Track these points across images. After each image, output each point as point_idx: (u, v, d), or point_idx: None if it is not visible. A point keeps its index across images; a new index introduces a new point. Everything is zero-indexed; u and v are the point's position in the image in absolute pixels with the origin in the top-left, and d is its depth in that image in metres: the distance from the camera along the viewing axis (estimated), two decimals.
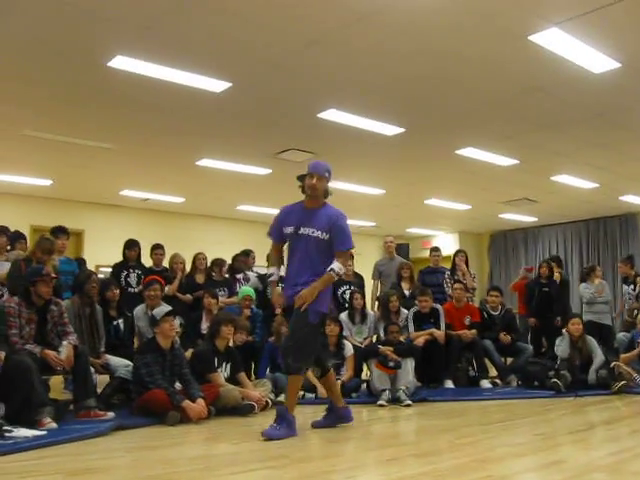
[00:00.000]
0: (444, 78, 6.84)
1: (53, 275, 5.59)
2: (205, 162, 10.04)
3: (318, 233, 4.86)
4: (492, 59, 6.36)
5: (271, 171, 10.59)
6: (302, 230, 4.87)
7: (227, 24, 5.63)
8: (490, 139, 9.09)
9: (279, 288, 5.31)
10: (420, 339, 7.74)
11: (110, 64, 6.42)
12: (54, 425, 4.82)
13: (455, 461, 3.99)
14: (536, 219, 16.15)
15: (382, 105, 7.73)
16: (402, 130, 8.54)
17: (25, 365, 4.90)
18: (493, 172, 10.79)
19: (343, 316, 7.97)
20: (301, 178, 5.02)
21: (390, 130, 8.55)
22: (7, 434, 4.41)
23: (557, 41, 5.88)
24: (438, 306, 8.26)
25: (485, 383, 7.93)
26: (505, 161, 10.13)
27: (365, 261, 11.33)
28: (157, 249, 8.33)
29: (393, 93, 7.32)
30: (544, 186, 12.02)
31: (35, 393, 4.88)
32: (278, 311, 7.60)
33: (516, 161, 10.13)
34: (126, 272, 7.73)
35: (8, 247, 7.57)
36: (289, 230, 4.95)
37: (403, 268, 9.09)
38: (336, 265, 4.84)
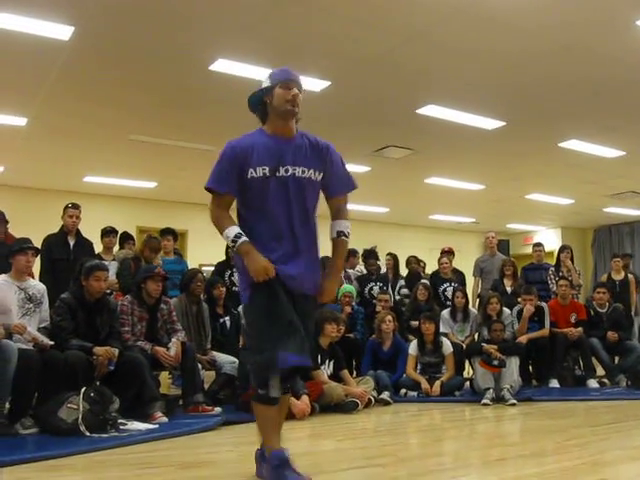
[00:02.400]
0: (545, 69, 6.68)
1: (164, 274, 5.78)
2: None
3: (311, 173, 3.25)
4: (596, 48, 6.17)
5: (370, 169, 10.58)
6: (283, 171, 3.18)
7: (326, 23, 5.69)
8: (594, 130, 8.81)
9: (258, 254, 3.08)
10: (523, 337, 7.58)
11: (212, 67, 6.59)
12: (165, 419, 5.00)
13: (565, 463, 3.89)
14: None
15: (482, 99, 7.62)
16: (502, 124, 8.40)
17: (138, 361, 5.10)
18: (598, 164, 10.45)
19: (445, 314, 7.91)
20: (259, 96, 3.30)
21: (490, 124, 8.42)
22: (122, 427, 4.59)
23: None
24: (543, 304, 8.06)
25: (592, 383, 7.68)
26: (610, 152, 9.80)
27: (465, 258, 11.20)
28: None
29: (493, 87, 7.21)
30: None
31: (147, 388, 5.09)
32: (379, 308, 7.63)
33: (622, 152, 9.78)
34: (230, 271, 7.89)
35: (118, 247, 7.91)
36: (259, 172, 3.15)
37: (506, 265, 8.93)
38: (345, 225, 3.39)
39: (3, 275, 5.14)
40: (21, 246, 5.18)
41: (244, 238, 3.10)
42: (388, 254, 9.38)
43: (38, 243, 5.84)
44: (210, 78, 6.86)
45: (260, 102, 3.30)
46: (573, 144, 9.37)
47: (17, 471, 3.57)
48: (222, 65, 6.55)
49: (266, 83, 3.27)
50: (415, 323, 7.45)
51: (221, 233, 3.17)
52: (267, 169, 3.15)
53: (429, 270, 10.11)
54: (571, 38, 5.94)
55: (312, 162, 3.27)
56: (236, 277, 7.78)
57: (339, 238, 3.34)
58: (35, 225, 7.74)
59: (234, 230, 3.13)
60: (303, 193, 3.23)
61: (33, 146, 9.54)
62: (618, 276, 9.65)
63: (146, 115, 8.23)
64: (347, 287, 7.98)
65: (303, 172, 3.23)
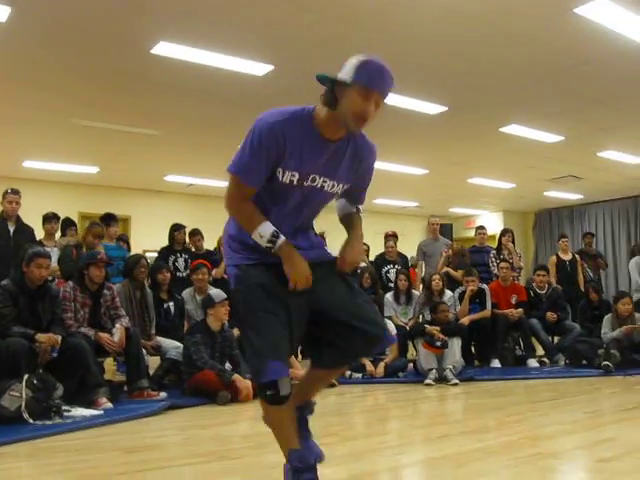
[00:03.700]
0: (488, 55, 6.78)
1: (106, 260, 5.73)
2: None
3: (339, 187, 2.74)
4: (537, 35, 6.27)
5: None
6: (310, 180, 2.62)
7: (270, 6, 5.64)
8: (536, 116, 8.98)
9: (301, 257, 2.60)
10: (465, 319, 7.73)
11: (153, 51, 6.51)
12: (110, 405, 4.97)
13: (505, 438, 4.01)
14: (582, 197, 15.92)
15: (425, 84, 7.68)
16: (445, 109, 8.49)
17: (81, 348, 5.05)
18: (538, 149, 10.66)
19: (388, 296, 8.01)
20: (331, 82, 2.55)
21: (433, 109, 8.51)
22: (66, 413, 4.56)
23: (604, 13, 5.73)
24: (484, 286, 8.23)
25: (532, 362, 7.89)
26: (551, 138, 10.01)
27: (408, 242, 11.33)
28: (196, 235, 8.43)
29: (436, 72, 7.28)
30: (590, 163, 11.85)
31: (91, 374, 5.05)
32: None
33: (562, 137, 9.99)
34: (174, 257, 7.85)
35: (58, 233, 7.79)
36: (288, 177, 2.57)
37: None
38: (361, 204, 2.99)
39: None
40: None
41: (283, 238, 2.56)
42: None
43: None
44: (152, 62, 6.76)
45: (330, 91, 2.56)
46: (514, 129, 9.54)
47: None
48: (164, 48, 6.46)
49: (348, 73, 2.49)
50: None
51: (250, 228, 2.60)
52: (297, 175, 2.58)
53: (372, 253, 10.22)
54: (511, 25, 6.03)
55: (345, 176, 2.73)
56: (180, 262, 7.78)
57: (357, 212, 2.96)
58: None
59: (269, 228, 2.56)
60: (321, 203, 2.79)
61: None
62: (566, 256, 9.89)
63: (87, 99, 8.07)
64: None
65: (332, 187, 2.70)
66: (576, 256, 10.08)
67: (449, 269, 8.95)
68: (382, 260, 9.06)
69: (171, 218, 9.28)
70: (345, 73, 2.48)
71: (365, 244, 10.03)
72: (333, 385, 6.39)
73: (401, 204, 16.43)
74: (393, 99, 7.99)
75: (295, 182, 2.57)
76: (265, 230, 2.55)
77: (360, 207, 2.95)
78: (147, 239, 12.07)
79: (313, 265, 2.61)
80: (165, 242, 8.26)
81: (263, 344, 2.47)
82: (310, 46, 6.53)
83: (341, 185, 2.71)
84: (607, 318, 7.72)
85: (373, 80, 2.47)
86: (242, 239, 2.67)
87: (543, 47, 6.57)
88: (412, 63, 6.99)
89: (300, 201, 2.66)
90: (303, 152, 2.55)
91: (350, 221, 2.92)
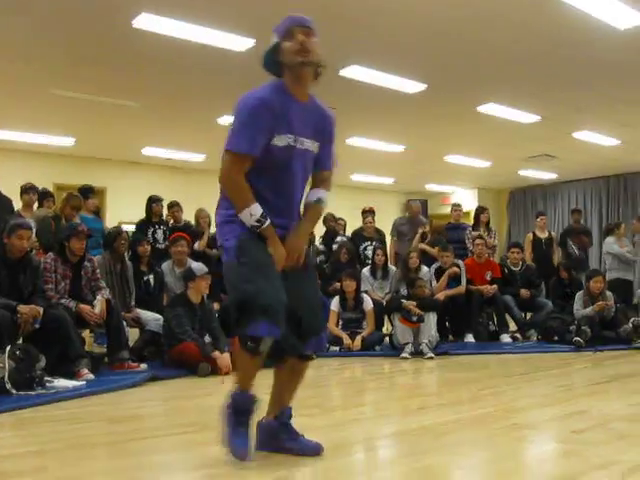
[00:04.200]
0: (467, 35, 6.82)
1: (87, 232, 5.73)
2: (226, 119, 10.07)
3: (315, 146, 2.94)
4: (516, 17, 6.32)
5: None
6: (299, 142, 2.84)
7: None
8: (512, 96, 9.06)
9: (279, 242, 2.84)
10: (440, 294, 7.85)
11: (134, 22, 6.46)
12: (91, 376, 5.01)
13: (480, 410, 4.12)
14: (556, 176, 16.09)
15: (404, 62, 7.71)
16: (424, 87, 8.54)
17: (62, 319, 5.08)
18: (514, 128, 10.76)
19: (365, 271, 8.10)
20: (270, 56, 2.88)
21: (412, 87, 8.54)
22: (48, 384, 4.59)
23: None
24: (459, 262, 8.35)
25: (505, 337, 8.04)
26: (527, 117, 10.10)
27: (383, 217, 11.39)
28: (174, 207, 8.43)
29: (416, 50, 7.31)
30: (565, 143, 11.99)
31: (72, 345, 5.09)
32: None
33: (538, 117, 10.09)
34: (152, 229, 7.86)
35: (35, 205, 7.76)
36: (286, 141, 2.79)
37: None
38: (325, 194, 3.05)
39: None
40: None
41: (269, 222, 2.77)
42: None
43: None
44: (133, 34, 6.71)
45: (273, 62, 2.86)
46: (491, 108, 9.61)
47: None
48: (145, 20, 6.41)
49: (274, 40, 2.84)
50: (337, 285, 7.60)
51: (239, 205, 2.77)
52: (292, 138, 2.79)
53: (349, 229, 10.31)
54: (491, 6, 6.07)
55: (317, 134, 2.93)
56: (159, 234, 7.79)
57: (317, 204, 3.02)
58: None
59: (258, 209, 2.75)
60: (307, 168, 2.96)
61: None
62: (543, 234, 10.03)
63: (66, 70, 8.00)
64: None
65: (311, 145, 2.91)
66: (552, 233, 10.24)
67: (425, 246, 9.04)
68: (360, 236, 9.14)
69: (148, 190, 9.27)
70: (273, 41, 2.82)
71: (342, 219, 10.13)
72: (311, 358, 6.47)
73: (377, 180, 16.49)
74: (372, 76, 8.04)
75: (292, 143, 2.78)
76: (256, 210, 2.74)
77: (324, 199, 3.04)
78: (123, 211, 12.02)
79: None
80: (141, 214, 8.25)
81: (274, 292, 2.65)
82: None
83: (317, 144, 2.92)
84: (579, 295, 7.87)
85: (287, 24, 2.82)
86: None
87: (523, 29, 6.64)
88: (393, 41, 7.02)
89: (296, 165, 2.84)
90: (289, 116, 2.77)
91: (308, 211, 3.03)
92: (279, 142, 2.75)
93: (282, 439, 2.96)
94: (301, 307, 2.85)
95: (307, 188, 3.05)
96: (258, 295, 2.62)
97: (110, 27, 6.62)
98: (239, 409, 2.83)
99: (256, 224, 2.75)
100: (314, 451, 2.94)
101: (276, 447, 2.96)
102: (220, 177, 2.81)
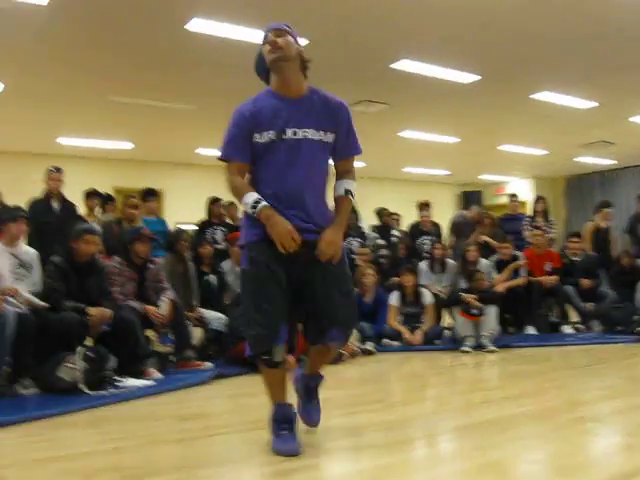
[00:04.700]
0: (519, 23, 6.77)
1: (151, 235, 5.88)
2: None
3: (321, 135, 3.05)
4: (569, 2, 6.25)
5: None
6: (290, 133, 3.00)
7: None
8: (567, 82, 8.95)
9: (280, 217, 2.94)
10: (500, 286, 7.80)
11: (187, 27, 6.60)
12: (159, 375, 5.16)
13: (545, 403, 4.11)
14: (615, 162, 15.79)
15: (457, 53, 7.70)
16: (478, 78, 8.50)
17: (130, 320, 5.22)
18: (569, 115, 10.62)
19: (423, 265, 8.09)
20: (258, 62, 3.17)
21: (465, 78, 8.51)
22: (118, 384, 4.74)
23: None
24: (518, 253, 8.28)
25: (567, 329, 7.94)
26: (583, 104, 9.96)
27: (438, 209, 11.34)
28: (231, 206, 8.48)
29: (468, 41, 7.29)
30: (623, 128, 11.77)
31: (140, 346, 5.23)
32: (359, 262, 7.79)
33: (595, 103, 9.94)
34: (211, 229, 7.98)
35: (98, 209, 7.98)
36: (265, 137, 3.00)
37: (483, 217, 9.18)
38: (352, 184, 3.21)
39: None
40: (13, 215, 5.25)
41: (264, 203, 2.94)
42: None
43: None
44: (186, 38, 6.86)
45: (262, 67, 3.13)
46: (545, 95, 9.50)
47: (22, 429, 3.70)
48: (198, 24, 6.55)
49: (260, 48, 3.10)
50: (395, 279, 7.62)
51: (239, 198, 3.04)
52: (272, 133, 2.99)
53: (404, 221, 10.31)
54: None
55: (323, 122, 3.05)
56: (218, 234, 7.91)
57: (346, 196, 3.15)
58: (10, 188, 7.78)
59: (252, 196, 2.97)
60: (315, 157, 3.07)
61: (8, 110, 9.50)
62: (604, 224, 9.80)
63: (122, 77, 8.22)
64: None
65: (313, 134, 3.02)
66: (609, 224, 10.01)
67: (486, 238, 8.95)
68: (417, 230, 9.13)
69: (203, 191, 9.40)
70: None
71: (396, 214, 10.13)
72: (372, 353, 6.53)
73: (431, 172, 16.44)
74: (424, 68, 8.03)
75: (274, 137, 2.99)
76: (249, 197, 2.98)
77: (352, 190, 3.18)
78: (180, 212, 12.23)
79: (313, 244, 2.98)
80: (198, 215, 8.38)
81: (262, 319, 2.93)
82: (343, 21, 6.58)
83: (323, 131, 3.04)
84: None
85: (265, 30, 3.08)
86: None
87: (575, 13, 6.55)
88: (445, 34, 7.02)
89: (291, 158, 3.00)
90: (269, 113, 3.01)
91: (339, 205, 3.17)
92: (260, 139, 3.00)
93: (301, 394, 3.36)
94: (318, 300, 3.03)
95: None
96: (250, 327, 2.97)
97: (164, 32, 6.78)
98: (280, 419, 3.09)
99: (251, 210, 2.97)
100: (309, 421, 3.33)
101: (298, 394, 3.38)
102: (227, 187, 3.11)
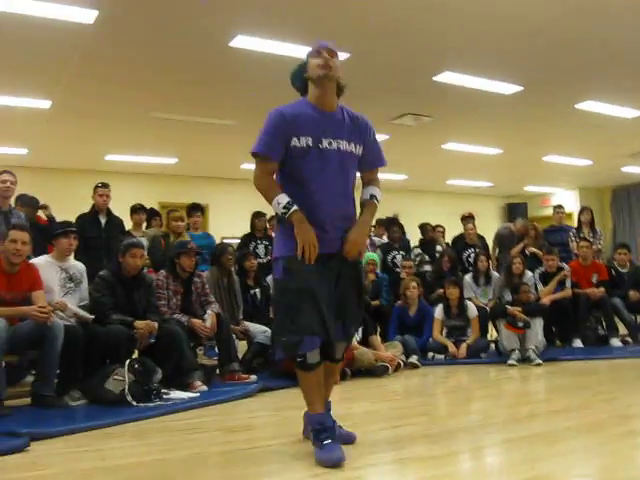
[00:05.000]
0: (561, 33, 6.72)
1: (197, 249, 5.96)
2: None
3: (352, 147, 3.30)
4: (610, 8, 6.17)
5: (389, 137, 10.66)
6: (326, 143, 3.22)
7: None
8: (612, 91, 8.83)
9: (309, 225, 3.14)
10: (546, 298, 7.70)
11: (231, 44, 6.69)
12: (205, 387, 5.21)
13: (593, 417, 4.05)
14: None
15: (498, 64, 7.67)
16: (520, 88, 8.45)
17: (176, 333, 5.29)
18: (615, 124, 10.46)
19: (467, 278, 8.05)
20: (298, 72, 3.38)
21: (508, 89, 8.47)
22: (165, 396, 4.80)
23: None
24: (564, 265, 8.18)
25: (615, 342, 7.80)
26: (629, 112, 9.81)
27: (482, 221, 11.27)
28: (272, 220, 8.54)
29: (509, 52, 7.25)
30: None
31: (186, 359, 5.29)
32: (404, 275, 7.79)
33: None
34: (254, 243, 8.04)
35: (144, 224, 8.11)
36: (303, 142, 3.19)
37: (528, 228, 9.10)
38: (378, 191, 3.46)
39: (45, 256, 5.37)
40: (64, 229, 5.38)
41: (296, 207, 3.11)
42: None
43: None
44: (230, 54, 6.97)
45: (300, 78, 3.34)
46: (590, 105, 9.39)
47: (71, 439, 3.77)
48: (242, 41, 6.65)
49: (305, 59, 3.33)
50: (440, 291, 7.59)
51: (269, 200, 3.19)
52: (310, 139, 3.19)
53: (449, 235, 10.25)
54: (586, 0, 5.97)
55: (353, 135, 3.30)
56: (260, 249, 7.97)
57: (371, 200, 3.40)
58: (59, 204, 7.94)
59: (285, 198, 3.14)
60: (345, 166, 3.28)
61: (56, 127, 9.72)
62: None
63: (167, 93, 8.36)
64: (370, 255, 8.13)
65: (346, 145, 3.27)
66: None
67: (533, 249, 8.85)
68: (462, 244, 9.07)
69: (247, 205, 9.46)
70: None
71: (440, 226, 10.08)
72: (416, 366, 6.50)
73: (474, 184, 16.33)
74: (467, 80, 8.01)
75: (311, 144, 3.19)
76: (282, 199, 3.14)
77: (377, 196, 3.43)
78: (225, 226, 12.36)
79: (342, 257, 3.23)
80: (242, 229, 8.45)
81: (293, 327, 3.10)
82: (385, 35, 6.61)
83: (353, 144, 3.29)
84: None
85: (316, 46, 3.25)
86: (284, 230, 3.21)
87: (618, 21, 6.47)
88: (487, 46, 7.01)
89: (323, 165, 3.21)
90: (308, 123, 3.21)
91: (364, 208, 3.42)
92: (297, 143, 3.18)
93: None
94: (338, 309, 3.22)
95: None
96: (282, 334, 3.20)
97: (208, 50, 6.89)
98: (318, 429, 3.17)
99: (283, 211, 3.13)
100: (346, 440, 3.29)
101: None
102: (254, 181, 3.26)
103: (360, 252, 3.30)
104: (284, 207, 3.12)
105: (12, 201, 6.54)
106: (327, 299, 3.15)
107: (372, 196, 3.41)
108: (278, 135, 3.18)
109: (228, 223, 12.11)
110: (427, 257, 9.01)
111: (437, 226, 10.07)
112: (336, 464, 2.96)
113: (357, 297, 3.36)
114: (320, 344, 3.14)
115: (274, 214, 3.36)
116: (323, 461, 3.01)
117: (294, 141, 3.18)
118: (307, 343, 3.10)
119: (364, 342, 6.38)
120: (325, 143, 3.22)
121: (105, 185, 7.15)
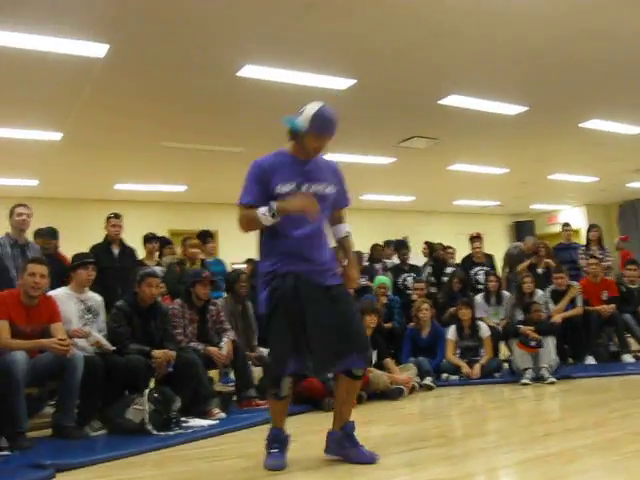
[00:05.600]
0: (565, 54, 6.81)
1: (212, 278, 6.04)
2: (329, 156, 10.33)
3: (329, 188, 3.63)
4: (613, 30, 6.28)
5: (395, 159, 10.77)
6: (306, 187, 3.52)
7: (349, 24, 5.87)
8: (616, 109, 8.93)
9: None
10: (557, 317, 7.73)
11: (239, 74, 6.82)
12: (223, 415, 5.27)
13: (609, 434, 4.09)
14: None
15: (503, 86, 7.77)
16: (525, 109, 8.55)
17: (193, 361, 5.36)
18: (620, 141, 10.55)
19: (478, 298, 8.09)
20: (295, 125, 3.51)
21: (512, 110, 8.57)
22: (184, 424, 4.86)
23: None
24: (573, 282, 8.22)
25: (628, 358, 7.83)
26: (632, 129, 9.89)
27: (490, 240, 11.33)
28: None
29: (514, 74, 7.35)
30: None
31: (203, 386, 5.36)
32: (415, 297, 7.86)
33: None
34: None
35: (157, 252, 8.19)
36: (288, 187, 3.49)
37: (538, 246, 9.15)
38: (347, 227, 3.86)
39: (64, 288, 5.45)
40: (82, 261, 5.47)
41: (275, 203, 3.39)
42: (425, 243, 9.72)
43: (75, 250, 5.98)
44: (238, 84, 7.09)
45: (296, 130, 3.51)
46: (594, 124, 9.49)
47: (92, 470, 3.82)
48: (249, 71, 6.76)
49: (305, 122, 3.46)
50: (452, 310, 7.63)
51: (254, 221, 3.45)
52: (294, 185, 3.49)
53: (459, 255, 10.30)
54: (588, 22, 6.06)
55: (329, 178, 3.66)
56: None
57: (347, 237, 3.82)
58: (70, 233, 8.04)
59: (264, 207, 3.41)
60: (323, 207, 3.56)
61: (67, 158, 9.86)
62: None
63: (174, 123, 8.50)
64: (381, 279, 8.20)
65: (324, 188, 3.61)
66: None
67: (549, 260, 8.90)
68: (470, 262, 9.13)
69: (256, 231, 9.57)
70: (303, 121, 3.45)
71: (451, 247, 10.14)
72: (431, 388, 6.53)
73: (481, 204, 16.41)
74: (472, 103, 8.11)
75: (294, 189, 3.48)
76: (262, 209, 3.40)
77: (349, 232, 3.85)
78: (235, 252, 12.41)
79: (325, 287, 3.52)
80: (252, 254, 8.49)
81: (276, 359, 3.55)
82: (391, 60, 6.72)
83: (331, 186, 3.64)
84: None
85: (322, 130, 3.47)
86: (264, 270, 3.60)
87: (620, 43, 6.58)
88: (492, 68, 7.11)
89: None
90: (287, 171, 3.52)
91: (346, 245, 3.82)
92: (281, 189, 3.48)
93: (345, 447, 3.65)
94: (335, 329, 3.47)
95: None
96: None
97: (215, 80, 7.01)
98: (274, 440, 3.69)
99: (270, 213, 3.37)
100: (369, 459, 3.56)
101: (340, 453, 3.67)
102: (239, 224, 3.56)
103: (355, 284, 3.83)
104: (269, 209, 3.38)
105: (28, 234, 6.62)
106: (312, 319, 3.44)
107: (348, 232, 3.83)
108: (257, 182, 3.51)
109: (238, 249, 12.13)
110: (433, 279, 9.09)
111: (447, 247, 10.11)
112: (275, 469, 3.51)
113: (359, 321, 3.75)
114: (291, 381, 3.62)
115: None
116: (266, 465, 3.58)
117: (278, 188, 3.48)
118: (279, 378, 3.56)
119: (378, 365, 6.42)
120: (305, 187, 3.53)
121: (117, 216, 7.23)
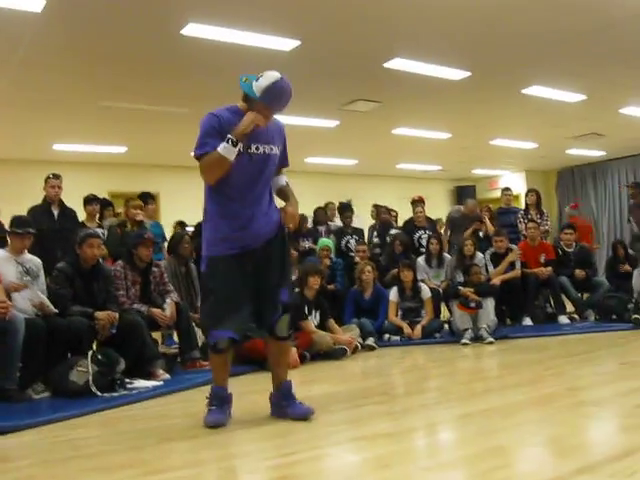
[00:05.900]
0: (508, 19, 6.83)
1: (153, 239, 5.99)
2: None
3: (275, 149, 3.71)
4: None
5: (339, 122, 10.76)
6: (254, 148, 3.60)
7: None
8: (556, 76, 9.04)
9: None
10: (496, 279, 7.91)
11: (183, 32, 6.68)
12: (167, 376, 5.28)
13: (545, 390, 4.26)
14: (604, 153, 15.92)
15: (447, 51, 7.77)
16: (468, 74, 8.59)
17: (136, 323, 5.33)
18: (559, 108, 10.71)
19: (420, 260, 8.22)
20: (247, 89, 3.55)
21: (456, 74, 8.60)
22: (129, 385, 4.85)
23: None
24: (513, 246, 8.41)
25: (563, 319, 8.09)
26: (572, 97, 10.06)
27: (433, 204, 11.47)
28: None
29: (458, 38, 7.35)
30: (612, 119, 11.88)
31: (147, 348, 5.35)
32: (358, 259, 7.94)
33: (583, 96, 10.04)
34: None
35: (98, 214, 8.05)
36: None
37: (483, 211, 9.32)
38: (286, 177, 3.92)
39: (1, 250, 5.31)
40: (15, 231, 5.31)
41: (230, 135, 3.42)
42: (373, 205, 9.83)
43: (14, 212, 5.84)
44: (182, 43, 6.93)
45: (252, 92, 3.51)
46: (535, 90, 9.60)
47: (39, 432, 3.80)
48: (193, 29, 6.63)
49: (258, 91, 3.47)
50: (394, 272, 7.73)
51: (219, 161, 3.44)
52: (241, 145, 3.49)
53: (401, 219, 10.42)
54: None
55: (276, 140, 3.72)
56: None
57: (287, 185, 3.86)
58: (8, 194, 7.86)
59: (222, 144, 3.43)
60: (268, 167, 3.68)
61: (2, 118, 9.55)
62: None
63: (115, 82, 8.25)
64: (324, 241, 8.26)
65: (271, 149, 3.66)
66: None
67: (489, 227, 9.10)
68: (412, 226, 9.24)
69: (198, 193, 9.46)
70: (257, 89, 3.47)
71: (394, 210, 10.25)
72: (373, 348, 6.64)
73: (424, 168, 16.53)
74: (416, 67, 8.14)
75: (242, 149, 3.49)
76: (221, 145, 3.42)
77: (287, 180, 3.88)
78: (177, 215, 12.29)
79: (265, 244, 3.65)
80: (193, 217, 8.43)
81: (215, 315, 3.62)
82: (336, 22, 6.68)
83: (276, 147, 3.70)
84: (638, 271, 7.87)
85: (273, 103, 3.50)
86: (213, 236, 3.65)
87: (564, 10, 6.65)
88: (435, 32, 7.10)
89: (251, 168, 3.58)
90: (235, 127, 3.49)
91: (286, 192, 3.84)
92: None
93: (282, 405, 3.77)
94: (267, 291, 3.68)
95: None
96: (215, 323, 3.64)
97: (159, 38, 6.84)
98: (214, 397, 3.79)
99: (230, 144, 3.42)
100: (304, 412, 3.67)
101: (279, 413, 3.77)
102: (202, 174, 3.57)
103: (296, 223, 3.77)
104: (226, 142, 3.42)
105: None
106: (242, 295, 3.60)
107: (286, 182, 3.87)
108: (213, 133, 3.50)
109: (181, 211, 12.04)
110: (377, 240, 9.20)
111: (391, 210, 10.22)
112: (215, 425, 3.60)
113: (280, 278, 3.74)
114: (229, 336, 3.63)
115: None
116: (206, 422, 3.65)
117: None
118: (216, 334, 3.64)
119: (321, 326, 6.49)
120: (253, 148, 3.58)
121: (57, 176, 7.08)
